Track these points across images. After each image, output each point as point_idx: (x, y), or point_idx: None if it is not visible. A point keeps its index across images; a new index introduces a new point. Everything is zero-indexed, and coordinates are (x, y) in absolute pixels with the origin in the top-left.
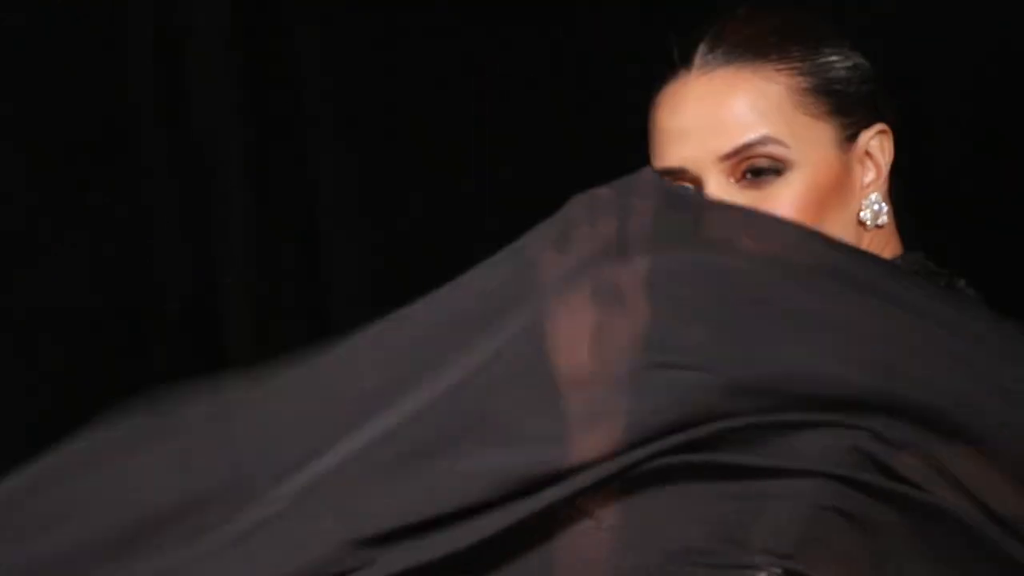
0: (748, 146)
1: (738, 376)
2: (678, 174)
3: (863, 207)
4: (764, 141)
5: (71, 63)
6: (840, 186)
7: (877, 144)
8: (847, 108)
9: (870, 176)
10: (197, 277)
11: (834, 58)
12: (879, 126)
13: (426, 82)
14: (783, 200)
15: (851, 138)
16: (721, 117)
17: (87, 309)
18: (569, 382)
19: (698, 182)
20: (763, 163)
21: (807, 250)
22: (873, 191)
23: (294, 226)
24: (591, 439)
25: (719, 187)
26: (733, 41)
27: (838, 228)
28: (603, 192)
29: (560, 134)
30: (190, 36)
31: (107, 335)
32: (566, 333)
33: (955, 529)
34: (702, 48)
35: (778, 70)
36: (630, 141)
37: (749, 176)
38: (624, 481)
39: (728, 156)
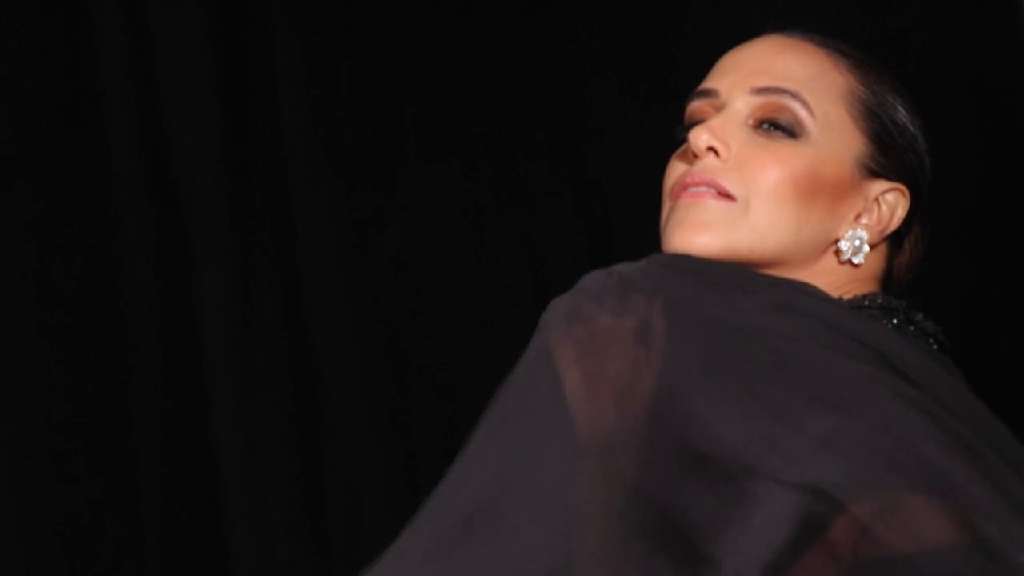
0: (781, 91)
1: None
2: (709, 94)
3: (845, 236)
4: (797, 96)
5: (37, 70)
6: (838, 193)
7: (892, 199)
8: (885, 147)
9: (868, 220)
10: (172, 301)
11: (901, 110)
12: (903, 187)
13: (412, 92)
14: (783, 157)
15: (872, 173)
16: (773, 62)
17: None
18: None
19: (720, 110)
20: (784, 119)
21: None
22: (863, 230)
23: (273, 246)
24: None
25: (736, 114)
26: (823, 35)
27: (810, 227)
28: (616, 272)
29: (545, 138)
30: (165, 66)
31: (77, 362)
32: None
33: None
34: (791, 26)
35: (848, 70)
36: (620, 147)
37: (765, 126)
38: None
39: (759, 91)
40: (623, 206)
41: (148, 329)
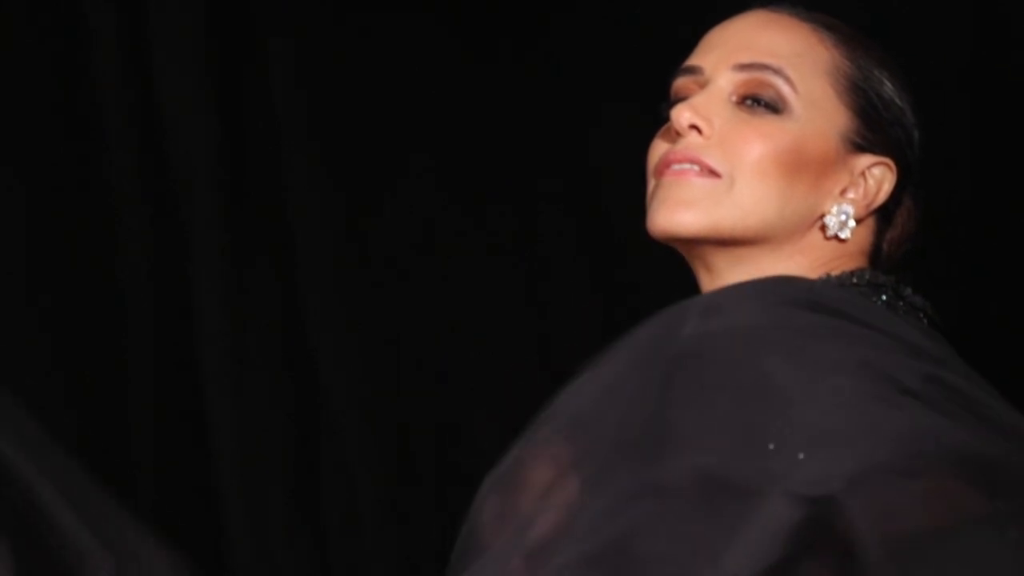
0: (764, 67)
1: None
2: (693, 71)
3: (831, 211)
4: (780, 72)
5: (33, 82)
6: (823, 168)
7: (878, 173)
8: (871, 121)
9: (854, 194)
10: (169, 310)
11: (887, 84)
12: (889, 160)
13: (404, 97)
14: (766, 132)
15: (857, 148)
16: (757, 38)
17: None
18: None
19: (704, 87)
20: (767, 95)
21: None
22: (849, 205)
23: (268, 251)
24: None
25: (719, 91)
26: (810, 9)
27: (795, 203)
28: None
29: (546, 139)
30: (163, 69)
31: (74, 365)
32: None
33: None
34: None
35: (834, 45)
36: (608, 156)
37: (748, 102)
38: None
39: (743, 67)
40: (622, 207)
41: (145, 331)
